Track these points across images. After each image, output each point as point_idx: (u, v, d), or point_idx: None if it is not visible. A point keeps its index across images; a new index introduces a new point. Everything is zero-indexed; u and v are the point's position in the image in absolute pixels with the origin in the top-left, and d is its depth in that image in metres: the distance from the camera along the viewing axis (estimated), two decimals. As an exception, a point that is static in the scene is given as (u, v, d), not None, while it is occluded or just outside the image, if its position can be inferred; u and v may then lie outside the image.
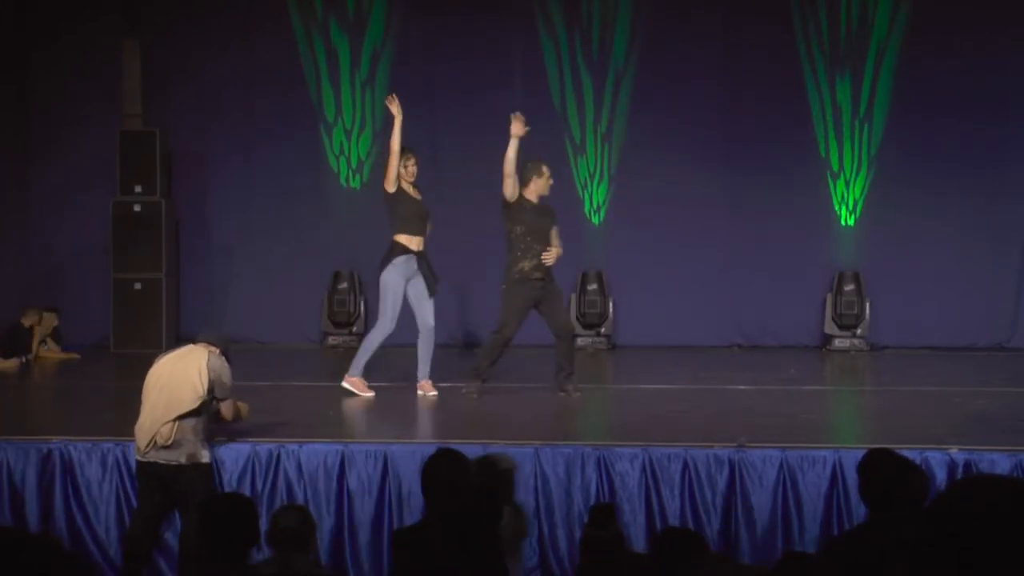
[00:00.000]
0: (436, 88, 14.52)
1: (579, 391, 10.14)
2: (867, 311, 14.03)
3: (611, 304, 14.31)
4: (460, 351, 13.67)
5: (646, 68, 14.40)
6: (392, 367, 10.82)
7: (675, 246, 14.34)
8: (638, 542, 7.43)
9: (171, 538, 7.77)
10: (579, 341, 14.15)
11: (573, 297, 14.21)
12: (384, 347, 10.32)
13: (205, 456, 7.38)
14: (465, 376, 10.36)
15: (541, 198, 10.26)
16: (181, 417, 7.27)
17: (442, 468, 5.84)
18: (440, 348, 14.05)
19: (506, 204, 10.14)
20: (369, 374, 10.34)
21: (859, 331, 14.02)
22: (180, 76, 14.72)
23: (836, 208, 14.39)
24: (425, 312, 10.22)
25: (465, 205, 13.76)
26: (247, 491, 7.64)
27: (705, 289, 14.32)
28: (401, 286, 10.11)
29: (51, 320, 13.35)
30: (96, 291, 14.31)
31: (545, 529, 7.73)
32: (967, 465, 7.47)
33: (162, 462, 7.28)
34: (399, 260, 10.11)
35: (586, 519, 6.91)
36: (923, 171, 14.15)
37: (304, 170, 14.64)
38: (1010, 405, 9.98)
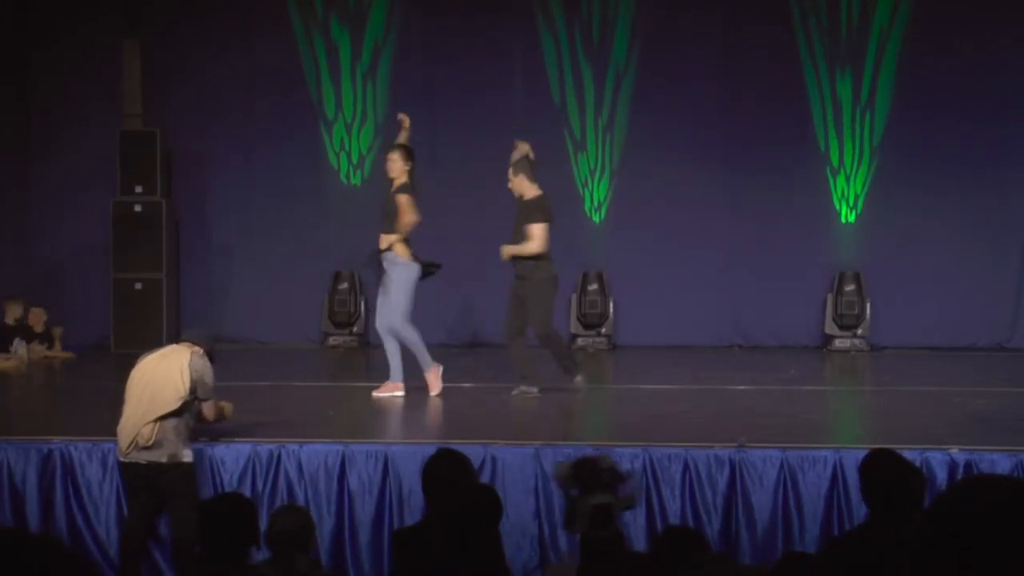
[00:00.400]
0: (436, 87, 14.52)
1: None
2: (867, 311, 14.03)
3: (611, 304, 14.30)
4: (461, 351, 13.68)
5: (647, 64, 14.38)
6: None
7: (675, 246, 14.34)
8: (638, 542, 7.43)
9: (169, 535, 7.77)
10: (579, 341, 14.22)
11: (574, 297, 14.21)
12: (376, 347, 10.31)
13: (187, 455, 7.38)
14: (562, 378, 10.23)
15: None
16: (162, 418, 7.27)
17: (442, 468, 5.85)
18: (440, 348, 14.11)
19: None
20: (371, 374, 10.33)
21: (859, 331, 14.01)
22: (180, 76, 14.72)
23: (836, 205, 14.37)
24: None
25: (465, 204, 13.76)
26: (247, 491, 7.64)
27: (705, 289, 14.32)
28: None
29: (39, 316, 13.31)
30: (96, 291, 14.31)
31: (545, 529, 7.73)
32: (967, 465, 7.47)
33: (143, 462, 7.29)
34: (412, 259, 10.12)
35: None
36: (923, 171, 14.14)
37: (304, 169, 14.64)
38: (1010, 405, 9.98)
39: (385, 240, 10.06)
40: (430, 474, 5.85)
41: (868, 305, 14.05)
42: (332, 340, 14.34)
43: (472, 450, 6.92)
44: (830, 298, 14.08)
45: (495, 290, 10.50)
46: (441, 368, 10.18)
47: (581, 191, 14.44)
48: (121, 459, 7.41)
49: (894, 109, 14.25)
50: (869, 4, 14.26)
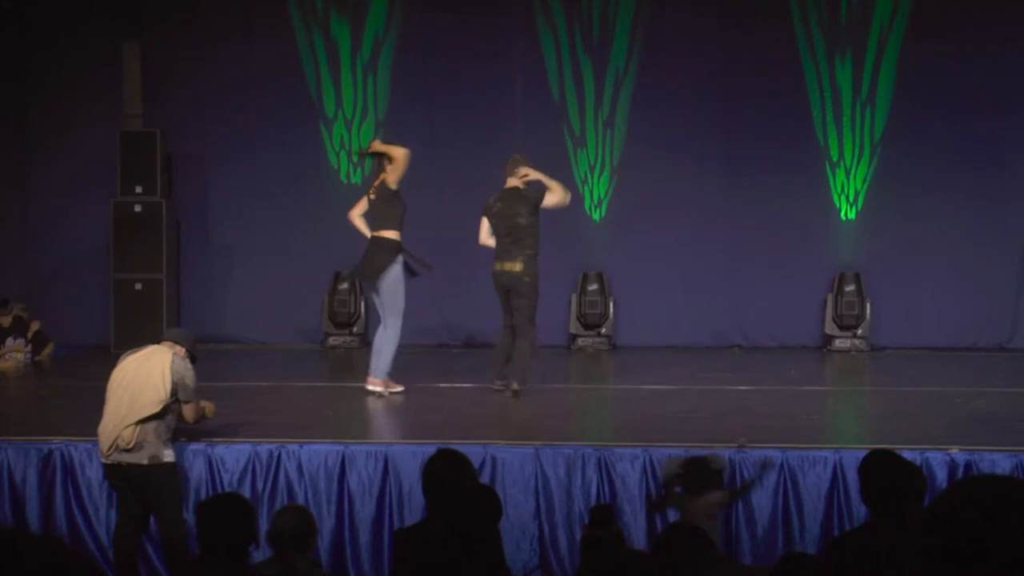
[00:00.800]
0: (435, 84, 14.51)
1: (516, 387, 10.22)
2: (867, 311, 14.03)
3: (611, 304, 14.30)
4: (460, 351, 13.68)
5: (647, 60, 14.36)
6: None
7: (676, 245, 14.33)
8: (638, 543, 7.44)
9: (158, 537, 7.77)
10: (580, 341, 14.22)
11: (574, 297, 14.21)
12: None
13: (168, 456, 7.38)
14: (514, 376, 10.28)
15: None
16: (143, 421, 7.27)
17: (442, 468, 5.85)
18: (440, 348, 14.13)
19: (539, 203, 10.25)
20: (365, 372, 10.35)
21: (859, 331, 14.01)
22: (180, 76, 14.71)
23: (836, 201, 14.34)
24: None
25: (465, 204, 13.76)
26: (247, 492, 7.65)
27: (705, 290, 14.31)
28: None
29: (22, 312, 13.27)
30: (96, 291, 14.31)
31: (545, 529, 7.73)
32: (968, 466, 7.47)
33: (125, 463, 7.29)
34: (402, 258, 10.14)
35: (586, 520, 6.93)
36: (923, 170, 14.12)
37: (304, 169, 14.64)
38: (1010, 405, 9.99)
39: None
40: (430, 474, 5.85)
41: (868, 305, 14.04)
42: (332, 340, 14.34)
43: (472, 450, 6.92)
44: (830, 298, 14.08)
45: (495, 290, 10.49)
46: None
47: (581, 189, 14.44)
48: (104, 460, 7.42)
49: (895, 105, 14.23)
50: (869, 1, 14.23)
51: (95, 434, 7.51)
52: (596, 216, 14.57)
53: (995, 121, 14.04)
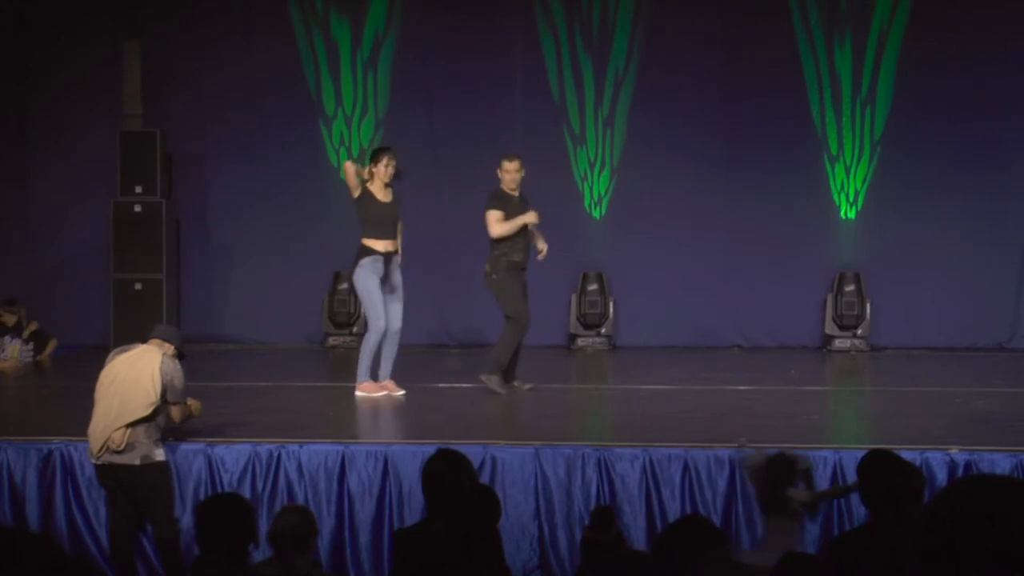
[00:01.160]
0: (435, 84, 14.51)
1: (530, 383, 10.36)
2: (867, 311, 14.02)
3: (611, 304, 14.30)
4: (460, 351, 13.68)
5: (647, 58, 14.35)
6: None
7: (675, 246, 14.32)
8: (638, 543, 7.43)
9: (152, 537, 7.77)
10: (579, 341, 14.21)
11: (574, 297, 14.21)
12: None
13: (159, 455, 7.38)
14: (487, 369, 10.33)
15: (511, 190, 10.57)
16: (133, 423, 7.26)
17: (442, 468, 5.85)
18: (440, 348, 14.12)
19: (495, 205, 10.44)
20: (374, 375, 10.32)
21: (859, 331, 14.00)
22: (180, 76, 14.71)
23: (836, 200, 14.32)
24: (394, 315, 10.25)
25: (465, 203, 13.75)
26: (247, 492, 7.65)
27: (705, 289, 14.30)
28: (374, 283, 10.15)
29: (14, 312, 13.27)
30: (96, 291, 14.31)
31: (545, 529, 7.73)
32: (967, 466, 7.48)
33: (116, 464, 7.28)
34: (365, 261, 10.17)
35: (586, 521, 6.92)
36: (924, 169, 14.11)
37: (304, 169, 14.64)
38: (1010, 405, 9.99)
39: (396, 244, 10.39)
40: (430, 474, 5.85)
41: (868, 305, 14.04)
42: (332, 340, 14.33)
43: (472, 450, 6.92)
44: (830, 298, 14.07)
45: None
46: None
47: (580, 187, 14.43)
48: (93, 461, 7.41)
49: (895, 104, 14.21)
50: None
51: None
52: (596, 214, 14.55)
53: (995, 121, 14.03)
